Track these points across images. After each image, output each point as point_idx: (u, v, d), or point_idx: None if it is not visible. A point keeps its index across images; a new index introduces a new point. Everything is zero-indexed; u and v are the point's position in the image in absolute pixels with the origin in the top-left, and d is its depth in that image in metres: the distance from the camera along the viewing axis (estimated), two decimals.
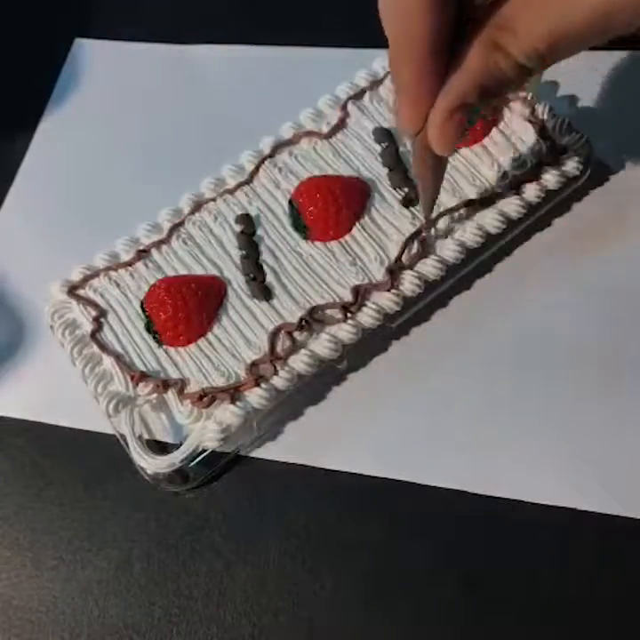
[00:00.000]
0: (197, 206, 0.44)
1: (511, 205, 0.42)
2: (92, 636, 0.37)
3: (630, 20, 0.28)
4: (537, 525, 0.37)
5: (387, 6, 0.29)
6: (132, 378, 0.39)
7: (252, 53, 0.54)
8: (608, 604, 0.35)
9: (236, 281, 0.42)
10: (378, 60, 0.48)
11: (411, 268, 0.41)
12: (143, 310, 0.41)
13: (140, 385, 0.39)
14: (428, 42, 0.28)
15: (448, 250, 0.41)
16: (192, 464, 0.39)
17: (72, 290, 0.42)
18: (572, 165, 0.42)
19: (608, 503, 0.36)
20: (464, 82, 0.29)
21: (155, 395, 0.39)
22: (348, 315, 0.40)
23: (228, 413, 0.38)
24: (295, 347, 0.39)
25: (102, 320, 0.41)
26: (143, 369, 0.40)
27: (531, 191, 0.42)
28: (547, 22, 0.27)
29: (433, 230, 0.41)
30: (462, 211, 0.42)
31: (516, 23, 0.28)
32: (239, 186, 0.45)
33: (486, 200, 0.42)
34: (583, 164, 0.42)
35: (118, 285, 0.42)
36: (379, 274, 0.41)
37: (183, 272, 0.42)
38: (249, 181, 0.45)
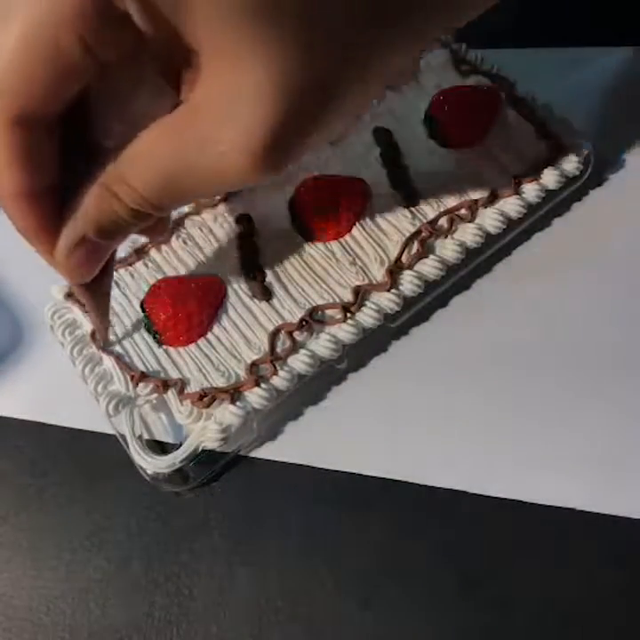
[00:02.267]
0: (197, 206, 0.44)
1: (511, 205, 0.42)
2: (91, 636, 0.37)
3: (207, 188, 0.29)
4: (537, 525, 0.37)
5: None
6: (132, 378, 0.39)
7: None
8: (608, 604, 0.35)
9: (236, 281, 0.42)
10: None
11: (411, 268, 0.41)
12: (143, 310, 0.41)
13: (140, 385, 0.39)
14: (23, 195, 0.29)
15: (448, 250, 0.41)
16: (192, 464, 0.39)
17: (72, 291, 0.42)
18: (571, 165, 0.42)
19: (608, 503, 0.36)
20: (82, 223, 0.30)
21: (155, 395, 0.39)
22: (348, 315, 0.40)
23: (227, 413, 0.38)
24: (295, 347, 0.39)
25: None
26: (143, 369, 0.40)
27: (531, 191, 0.42)
28: (152, 175, 0.28)
29: (433, 230, 0.41)
30: (462, 211, 0.42)
31: (127, 173, 0.28)
32: None
33: (486, 200, 0.42)
34: (583, 164, 0.42)
35: (118, 285, 0.42)
36: (379, 274, 0.41)
37: (183, 272, 0.42)
38: None
